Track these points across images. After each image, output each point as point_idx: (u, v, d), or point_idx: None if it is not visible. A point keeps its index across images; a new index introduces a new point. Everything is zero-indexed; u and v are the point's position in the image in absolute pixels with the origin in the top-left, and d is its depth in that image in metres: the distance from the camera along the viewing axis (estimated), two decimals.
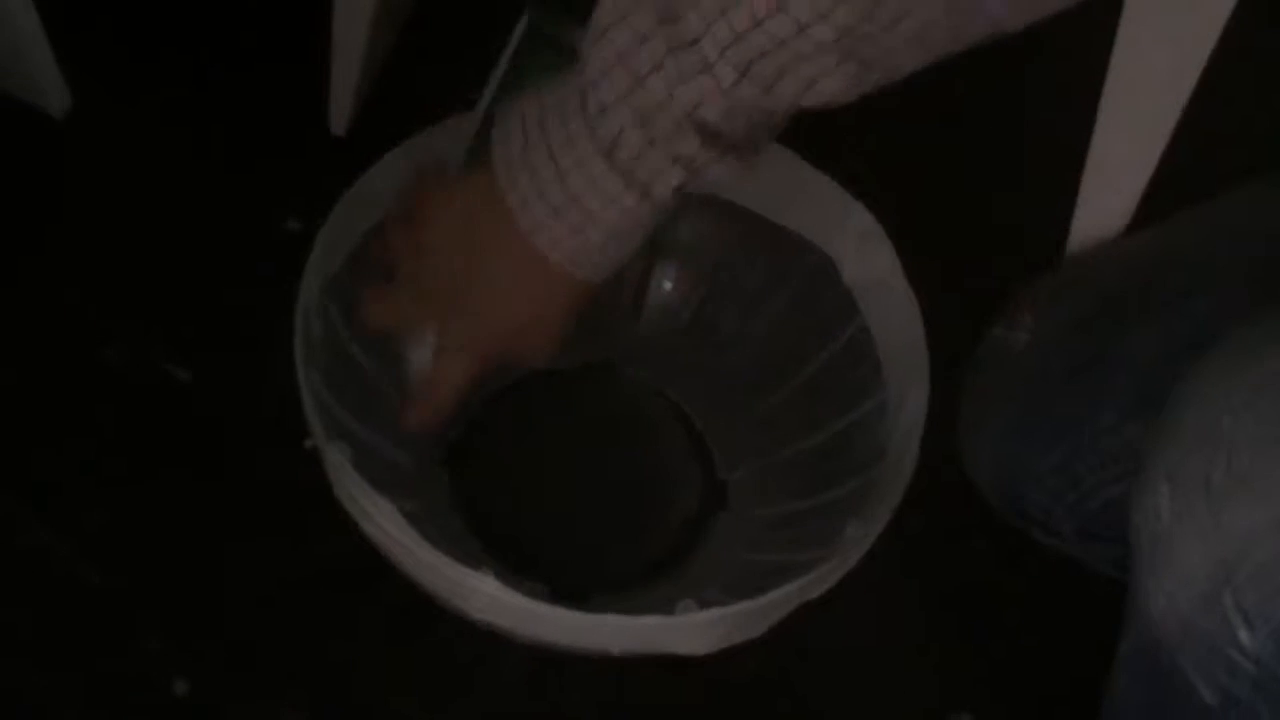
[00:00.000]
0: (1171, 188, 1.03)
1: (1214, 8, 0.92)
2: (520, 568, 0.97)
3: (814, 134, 0.87)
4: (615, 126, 0.73)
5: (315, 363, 0.93)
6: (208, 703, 1.00)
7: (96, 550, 1.03)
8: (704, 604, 0.89)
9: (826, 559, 0.91)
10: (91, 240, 1.16)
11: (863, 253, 1.03)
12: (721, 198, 1.05)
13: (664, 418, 1.11)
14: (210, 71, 1.23)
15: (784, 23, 0.67)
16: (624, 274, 1.08)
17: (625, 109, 0.73)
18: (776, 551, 1.00)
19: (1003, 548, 1.04)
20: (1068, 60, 1.05)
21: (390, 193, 0.97)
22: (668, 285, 1.11)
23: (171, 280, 1.15)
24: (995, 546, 1.06)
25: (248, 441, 1.07)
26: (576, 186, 0.77)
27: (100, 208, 1.18)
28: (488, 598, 0.88)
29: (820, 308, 1.06)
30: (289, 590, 1.03)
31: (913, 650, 1.08)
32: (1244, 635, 0.69)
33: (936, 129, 1.23)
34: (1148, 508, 0.73)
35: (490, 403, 1.08)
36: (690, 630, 0.90)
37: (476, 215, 0.83)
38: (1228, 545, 0.69)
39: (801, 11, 0.66)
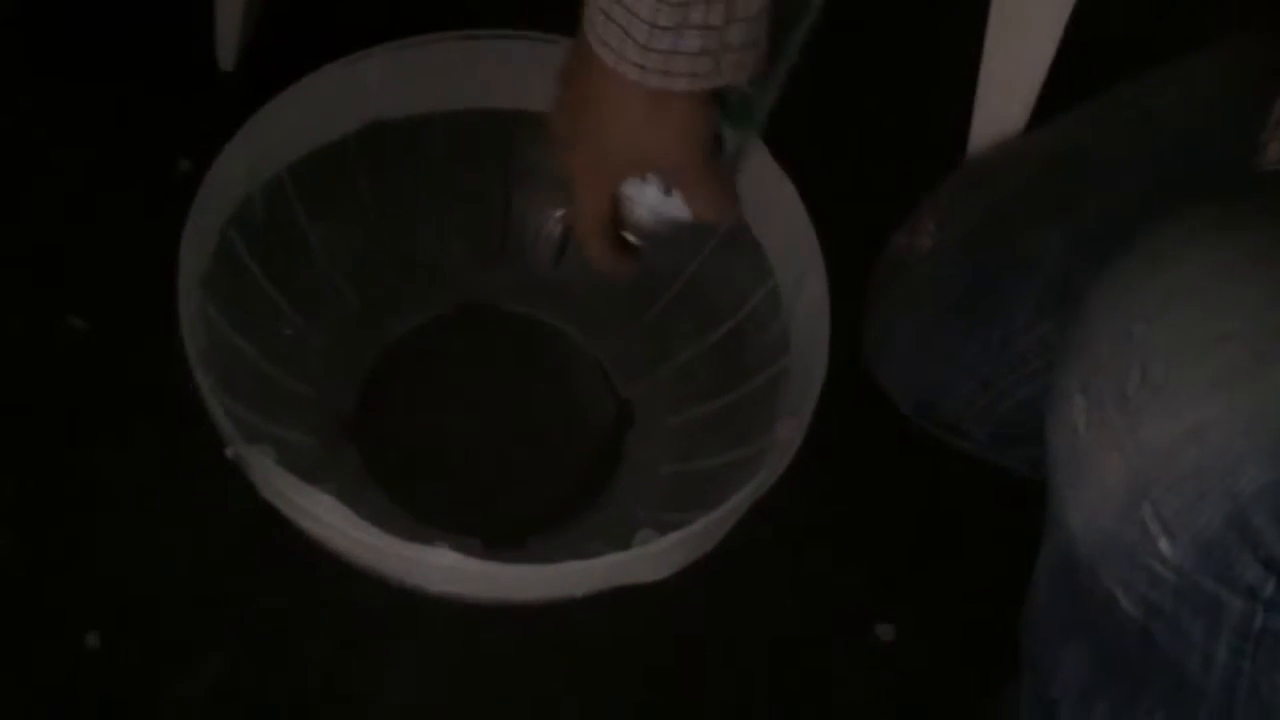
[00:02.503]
0: (1065, 89, 1.03)
1: None
2: (445, 525, 0.97)
3: None
4: None
5: (215, 369, 0.91)
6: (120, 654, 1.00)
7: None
8: (663, 528, 0.89)
9: (760, 461, 0.92)
10: None
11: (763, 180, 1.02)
12: None
13: (553, 346, 1.12)
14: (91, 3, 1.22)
15: None
16: (488, 209, 1.10)
17: None
18: (699, 459, 1.02)
19: (918, 448, 1.05)
20: None
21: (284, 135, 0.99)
22: (530, 214, 1.10)
23: (60, 222, 1.14)
24: (910, 447, 1.06)
25: (142, 393, 1.06)
26: None
27: None
28: (448, 570, 0.88)
29: None
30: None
31: (838, 557, 1.08)
32: (1164, 545, 0.69)
33: (836, 38, 1.25)
34: (1063, 421, 0.73)
35: (380, 362, 1.08)
36: (652, 559, 0.90)
37: (574, 67, 0.85)
38: (1146, 457, 0.69)
39: None
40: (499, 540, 0.96)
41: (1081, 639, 0.81)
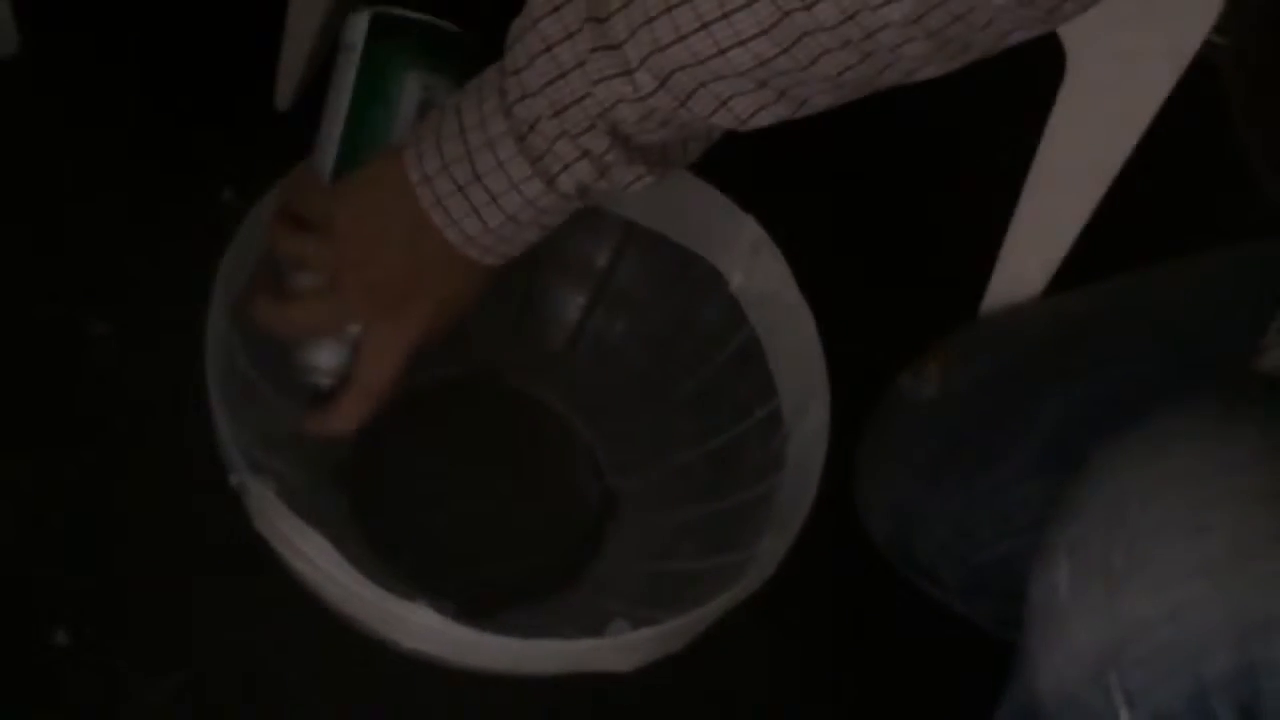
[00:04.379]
0: (1089, 261, 1.04)
1: (1148, 93, 0.95)
2: (421, 585, 0.96)
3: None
4: (532, 113, 0.76)
5: (231, 398, 0.92)
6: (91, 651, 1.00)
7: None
8: (637, 623, 0.90)
9: (741, 571, 0.93)
10: (27, 185, 1.15)
11: (753, 265, 1.05)
12: (607, 210, 1.07)
13: (552, 428, 1.12)
14: (160, 28, 1.22)
15: (704, 41, 0.70)
16: (510, 284, 1.10)
17: (544, 99, 0.75)
18: (680, 560, 1.03)
19: (888, 580, 1.05)
20: (1002, 119, 1.08)
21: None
22: (551, 295, 1.11)
23: (103, 236, 1.13)
24: (881, 579, 1.06)
25: (155, 405, 1.06)
26: (483, 166, 0.79)
27: (36, 153, 1.16)
28: (423, 629, 0.88)
29: (707, 318, 1.08)
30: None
31: (795, 674, 1.08)
32: (1124, 715, 0.70)
33: (874, 182, 1.26)
34: (1046, 578, 0.74)
35: (382, 414, 1.04)
36: (622, 649, 0.91)
37: (389, 209, 0.84)
38: (1120, 628, 0.70)
39: (723, 34, 0.70)
40: (472, 608, 0.95)
41: None
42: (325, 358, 0.93)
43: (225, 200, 1.13)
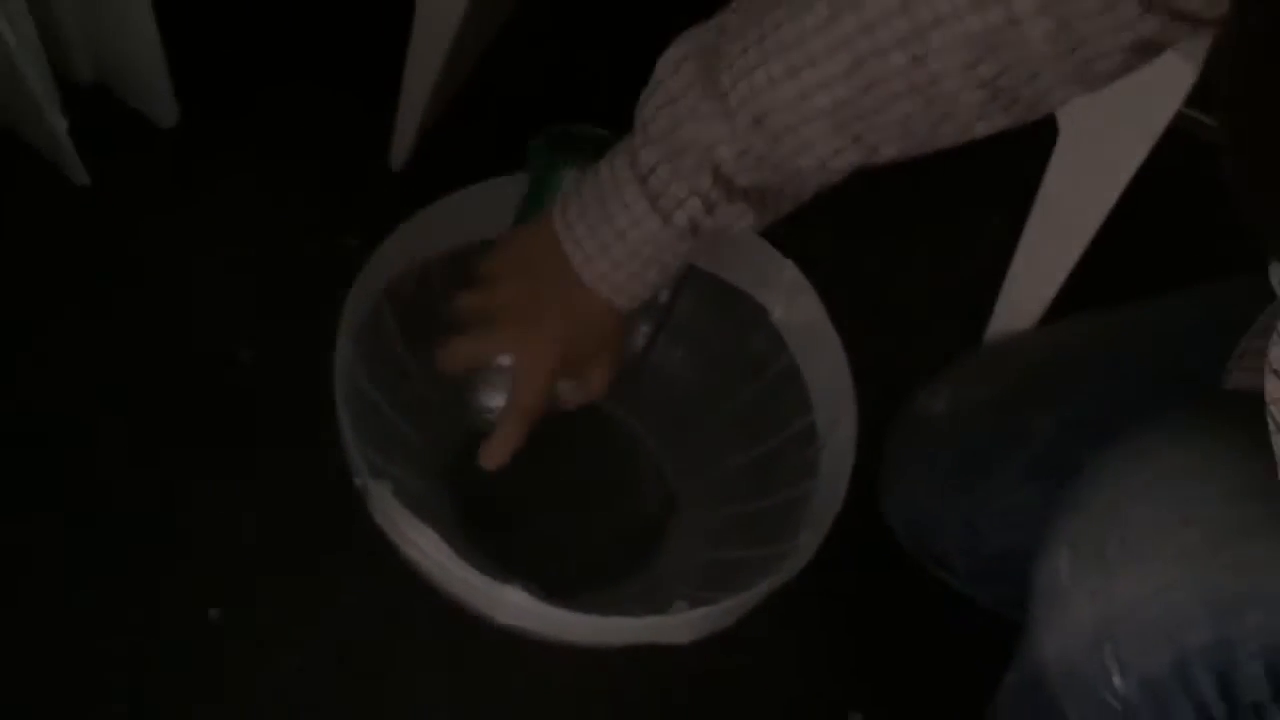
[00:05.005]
0: (1080, 295, 1.05)
1: (1127, 155, 0.95)
2: (514, 571, 0.96)
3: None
4: (653, 159, 0.79)
5: (356, 413, 0.93)
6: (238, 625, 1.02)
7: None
8: (694, 603, 0.91)
9: (781, 561, 0.93)
10: (185, 235, 1.16)
11: (792, 301, 1.05)
12: None
13: (623, 439, 1.12)
14: (296, 100, 1.24)
15: (792, 86, 0.73)
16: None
17: (663, 145, 0.78)
18: (729, 550, 1.02)
19: (905, 573, 1.05)
20: (1003, 173, 1.07)
21: (439, 231, 1.00)
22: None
23: (248, 277, 1.15)
24: (899, 572, 1.06)
25: (290, 420, 1.08)
26: (613, 208, 0.81)
27: (193, 208, 1.18)
28: (515, 607, 0.89)
29: (753, 346, 1.07)
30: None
31: (822, 652, 1.09)
32: (1117, 679, 0.72)
33: (891, 234, 1.26)
34: (1050, 565, 0.75)
35: (477, 435, 1.03)
36: (681, 626, 0.92)
37: (538, 257, 0.87)
38: (1114, 606, 0.71)
39: (808, 80, 0.72)
40: (555, 590, 0.95)
41: None
42: (495, 399, 0.97)
43: (350, 246, 1.14)
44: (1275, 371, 0.64)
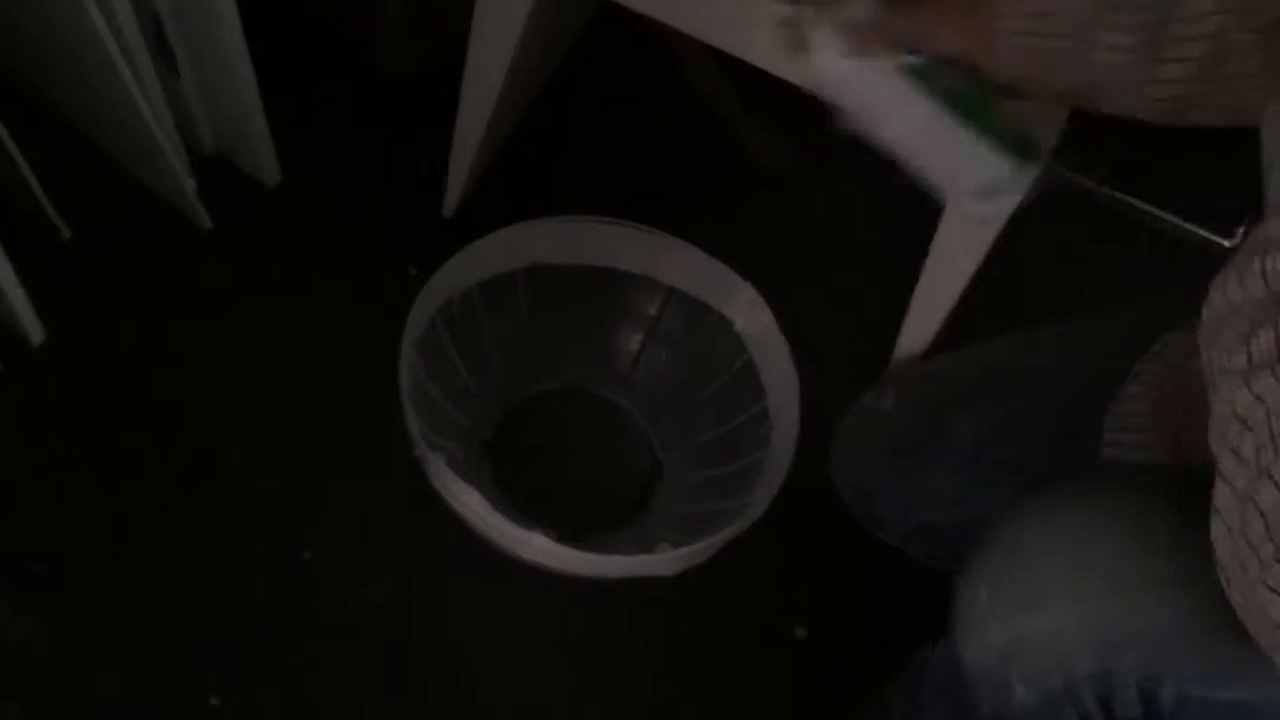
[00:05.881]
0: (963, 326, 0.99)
1: (987, 231, 0.88)
2: (538, 521, 0.95)
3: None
4: None
5: (417, 402, 0.95)
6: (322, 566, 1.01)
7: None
8: (675, 544, 0.93)
9: (742, 511, 0.95)
10: (285, 267, 1.16)
11: (750, 314, 1.06)
12: (658, 280, 1.08)
13: (618, 419, 1.13)
14: (370, 161, 1.22)
15: None
16: (595, 326, 1.09)
17: None
18: (704, 504, 1.04)
19: (840, 524, 0.99)
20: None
21: (480, 263, 1.01)
22: (619, 334, 1.12)
23: (330, 295, 1.15)
24: (835, 522, 0.99)
25: (368, 410, 1.06)
26: None
27: (290, 246, 1.17)
28: (539, 549, 0.92)
29: (719, 349, 1.09)
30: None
31: (774, 581, 1.08)
32: (1019, 690, 0.70)
33: (835, 269, 1.21)
34: (970, 593, 0.73)
35: (511, 410, 1.10)
36: (666, 562, 0.94)
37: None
38: (1020, 633, 0.70)
39: None
40: (568, 536, 0.95)
41: (951, 707, 0.82)
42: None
43: (411, 274, 1.12)
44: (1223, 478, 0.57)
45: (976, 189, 0.75)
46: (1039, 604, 0.69)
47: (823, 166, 1.23)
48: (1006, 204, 0.78)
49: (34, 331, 1.07)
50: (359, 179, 1.22)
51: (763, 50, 0.83)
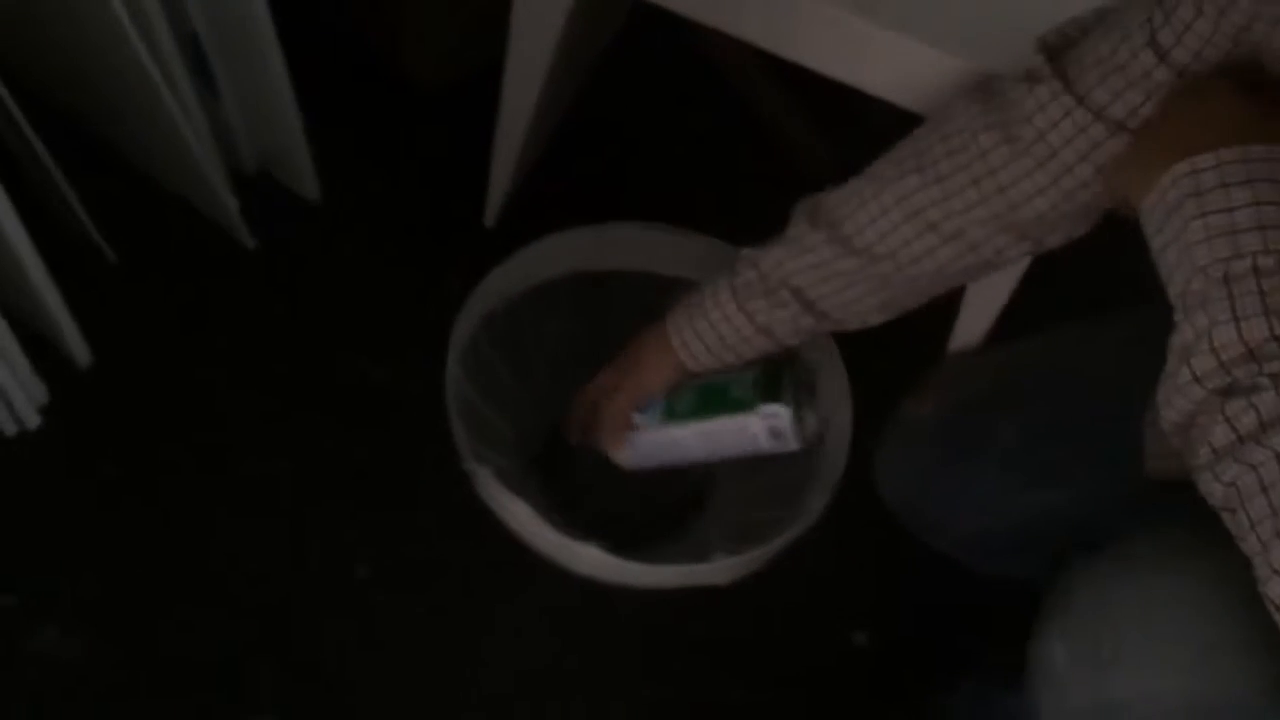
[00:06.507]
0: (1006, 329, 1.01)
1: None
2: (588, 533, 0.93)
3: None
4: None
5: (463, 415, 0.94)
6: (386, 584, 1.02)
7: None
8: (731, 553, 0.91)
9: (796, 518, 0.93)
10: (328, 281, 1.17)
11: (811, 342, 0.99)
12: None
13: None
14: (412, 176, 1.23)
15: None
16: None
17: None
18: (757, 512, 1.02)
19: (892, 530, 0.99)
20: None
21: (520, 274, 1.02)
22: None
23: (374, 310, 1.16)
24: (887, 528, 0.99)
25: (416, 423, 1.08)
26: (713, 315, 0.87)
27: (333, 261, 1.18)
28: (590, 560, 0.90)
29: None
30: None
31: (829, 588, 1.08)
32: None
33: None
34: (1045, 652, 0.72)
35: (555, 427, 1.07)
36: (720, 571, 0.92)
37: (641, 339, 0.93)
38: (1109, 700, 0.69)
39: None
40: (620, 547, 0.93)
41: None
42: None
43: (454, 285, 1.06)
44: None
45: (767, 442, 0.91)
46: (1127, 670, 0.68)
47: (865, 166, 1.22)
48: (795, 432, 0.90)
49: (81, 354, 1.08)
50: (399, 192, 1.23)
51: (805, 47, 0.83)
